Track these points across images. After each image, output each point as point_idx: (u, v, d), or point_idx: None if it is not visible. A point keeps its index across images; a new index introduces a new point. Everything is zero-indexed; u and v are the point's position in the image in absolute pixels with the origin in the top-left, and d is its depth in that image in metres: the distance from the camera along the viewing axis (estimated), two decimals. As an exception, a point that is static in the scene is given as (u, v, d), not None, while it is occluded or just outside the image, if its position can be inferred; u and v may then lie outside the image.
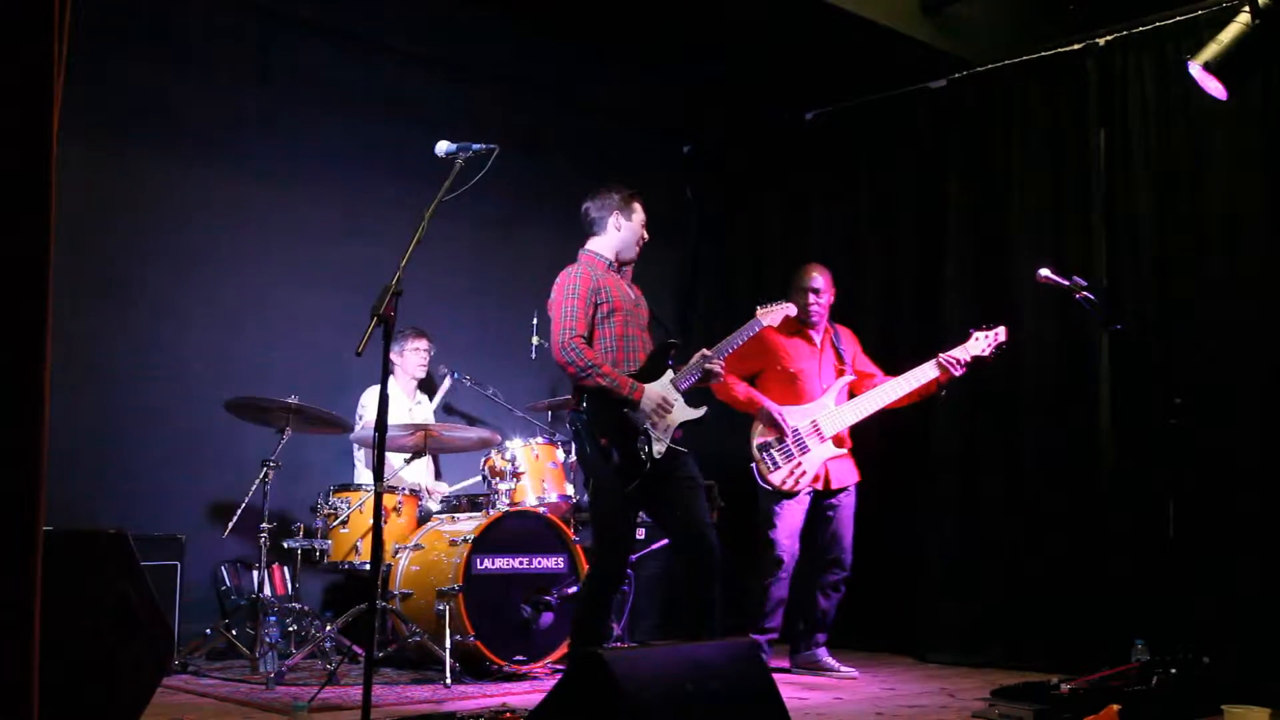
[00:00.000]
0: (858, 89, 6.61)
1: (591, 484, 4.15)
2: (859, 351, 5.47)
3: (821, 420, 5.16)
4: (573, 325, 4.02)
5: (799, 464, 5.10)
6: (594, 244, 4.28)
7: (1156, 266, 5.31)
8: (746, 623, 5.08)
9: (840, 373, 5.31)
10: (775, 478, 5.11)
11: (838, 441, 5.20)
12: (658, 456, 4.01)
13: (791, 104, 6.90)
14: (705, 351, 4.29)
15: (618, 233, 4.25)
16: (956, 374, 5.06)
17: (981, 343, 5.07)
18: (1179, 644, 4.37)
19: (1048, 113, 5.79)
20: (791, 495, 5.11)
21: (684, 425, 4.15)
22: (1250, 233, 5.04)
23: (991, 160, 6.00)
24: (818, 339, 5.34)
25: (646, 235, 4.31)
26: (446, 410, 6.22)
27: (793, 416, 5.14)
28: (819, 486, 5.17)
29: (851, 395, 5.27)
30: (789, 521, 5.13)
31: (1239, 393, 4.95)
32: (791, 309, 4.78)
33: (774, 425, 5.10)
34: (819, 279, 5.30)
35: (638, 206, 4.29)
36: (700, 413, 4.22)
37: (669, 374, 4.18)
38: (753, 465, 5.16)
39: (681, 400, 4.15)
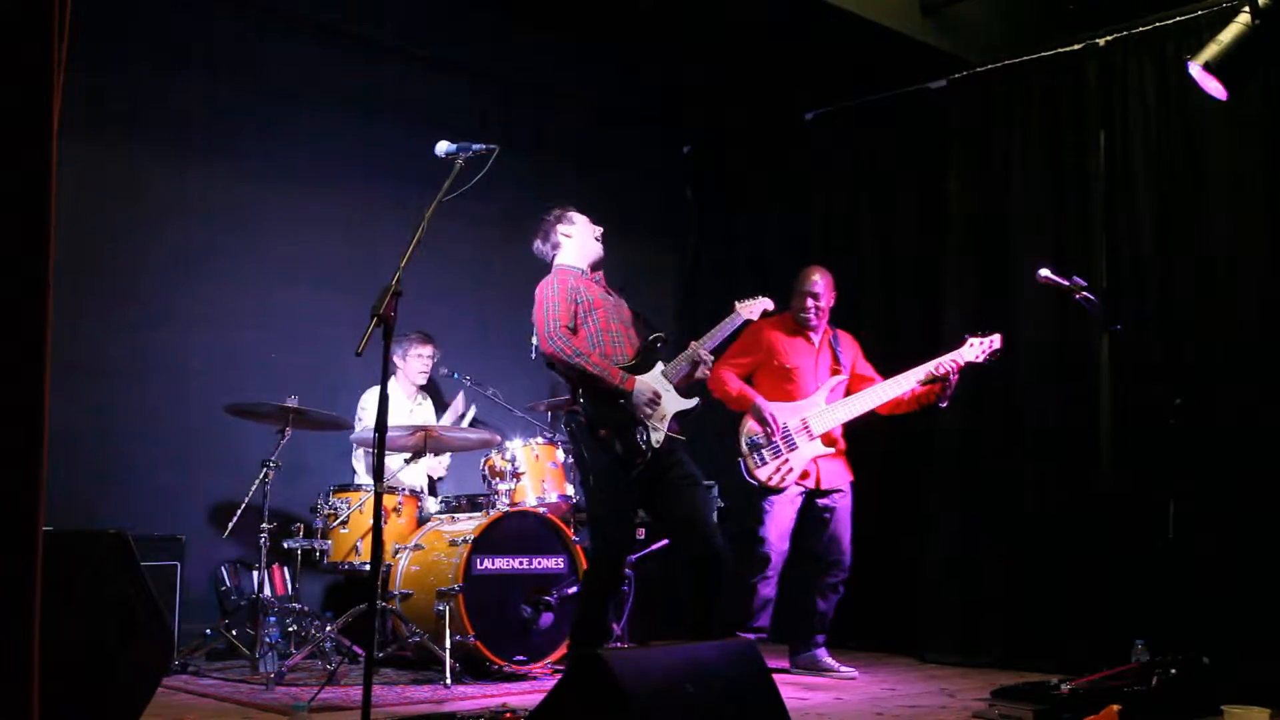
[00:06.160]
0: (858, 89, 6.61)
1: (590, 482, 4.16)
2: (859, 357, 5.46)
3: (812, 418, 5.16)
4: (557, 318, 4.12)
5: (786, 460, 5.10)
6: (560, 259, 4.40)
7: (1156, 265, 5.31)
8: (735, 621, 5.07)
9: (835, 372, 5.31)
10: (762, 474, 5.11)
11: (827, 440, 5.18)
12: (657, 445, 4.06)
13: (791, 104, 6.90)
14: (694, 343, 4.34)
15: (570, 240, 4.39)
16: (950, 380, 5.05)
17: (976, 349, 5.06)
18: (1179, 644, 4.37)
19: (1048, 113, 5.79)
20: (779, 491, 5.11)
21: (680, 417, 4.18)
22: (1250, 233, 5.04)
23: (991, 160, 5.99)
24: (816, 340, 5.34)
25: (599, 229, 4.42)
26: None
27: (783, 413, 5.14)
28: (808, 484, 5.16)
29: (846, 395, 5.27)
30: (779, 520, 5.12)
31: (1239, 393, 4.95)
32: (769, 303, 4.79)
33: (764, 421, 5.10)
34: (820, 282, 5.31)
35: (572, 213, 4.43)
36: (692, 404, 4.26)
37: (659, 366, 4.24)
38: (740, 460, 5.17)
39: (673, 391, 4.21)
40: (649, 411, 4.08)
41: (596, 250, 4.40)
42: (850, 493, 5.29)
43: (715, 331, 4.53)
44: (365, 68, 6.18)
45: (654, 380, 4.17)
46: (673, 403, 4.18)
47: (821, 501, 5.21)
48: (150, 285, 5.43)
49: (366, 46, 6.19)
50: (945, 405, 5.16)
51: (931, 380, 5.08)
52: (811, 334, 5.33)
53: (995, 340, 5.08)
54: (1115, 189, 5.49)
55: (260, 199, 5.79)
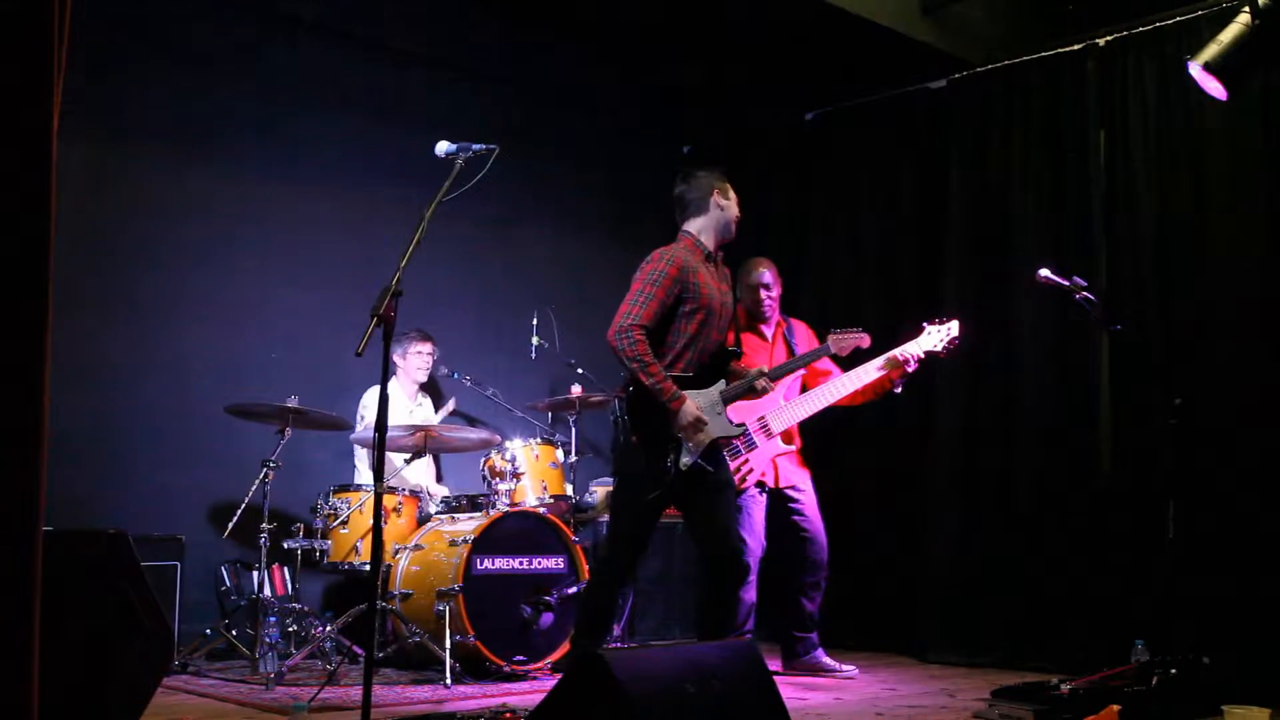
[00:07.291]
0: (858, 89, 6.61)
1: (616, 478, 4.14)
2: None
3: (770, 417, 5.05)
4: (638, 313, 3.91)
5: (746, 461, 5.01)
6: (693, 226, 4.22)
7: (1156, 266, 5.31)
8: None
9: None
10: None
11: (786, 438, 5.10)
12: (684, 468, 3.94)
13: (791, 104, 6.90)
14: (763, 369, 4.27)
15: (720, 212, 4.20)
16: (909, 370, 4.96)
17: (934, 337, 4.94)
18: (1179, 644, 4.36)
19: (1048, 113, 5.79)
20: (740, 493, 4.97)
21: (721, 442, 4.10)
22: (1250, 233, 5.04)
23: (991, 160, 6.00)
24: (769, 334, 5.24)
25: (739, 216, 4.26)
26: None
27: (741, 413, 5.06)
28: (769, 483, 5.08)
29: (804, 389, 5.16)
30: (753, 524, 5.01)
31: (1239, 393, 4.95)
32: (866, 340, 4.71)
33: None
34: (768, 274, 5.22)
35: (730, 188, 4.25)
36: (738, 431, 4.20)
37: (720, 384, 4.12)
38: None
39: (723, 416, 4.07)
40: (689, 434, 3.94)
41: (730, 233, 4.24)
42: (813, 489, 5.21)
43: (794, 362, 4.46)
44: (365, 68, 6.18)
45: (707, 401, 4.01)
46: (717, 428, 4.02)
47: (790, 504, 5.13)
48: (150, 285, 5.43)
49: (367, 47, 6.19)
50: (899, 391, 5.03)
51: (893, 366, 4.96)
52: (764, 327, 5.22)
53: (953, 327, 4.94)
54: (1115, 189, 5.49)
55: (261, 199, 5.80)
